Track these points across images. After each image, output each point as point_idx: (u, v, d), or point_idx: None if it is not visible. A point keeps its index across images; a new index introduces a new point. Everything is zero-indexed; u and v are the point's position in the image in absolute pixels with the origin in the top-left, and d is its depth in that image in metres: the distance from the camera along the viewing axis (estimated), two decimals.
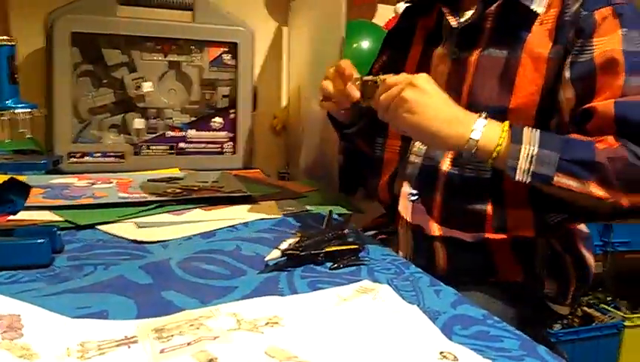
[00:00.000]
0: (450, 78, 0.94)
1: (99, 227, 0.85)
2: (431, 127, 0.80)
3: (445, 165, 0.93)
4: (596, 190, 0.76)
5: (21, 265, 0.67)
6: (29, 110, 1.23)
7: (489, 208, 0.90)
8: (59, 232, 0.74)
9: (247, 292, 0.63)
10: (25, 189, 0.99)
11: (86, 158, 1.33)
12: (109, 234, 0.83)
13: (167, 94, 1.40)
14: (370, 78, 0.89)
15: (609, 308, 2.13)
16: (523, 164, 0.78)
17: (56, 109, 1.29)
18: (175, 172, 1.32)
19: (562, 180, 0.77)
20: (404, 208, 0.96)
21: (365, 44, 1.64)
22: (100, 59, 1.33)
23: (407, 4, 1.17)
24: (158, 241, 0.80)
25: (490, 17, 0.92)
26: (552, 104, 0.86)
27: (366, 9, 1.83)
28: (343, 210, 1.02)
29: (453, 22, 0.95)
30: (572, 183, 0.77)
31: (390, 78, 0.83)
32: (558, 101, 0.85)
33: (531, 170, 0.78)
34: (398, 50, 1.09)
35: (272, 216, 0.95)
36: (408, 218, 0.95)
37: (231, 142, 1.46)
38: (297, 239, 0.72)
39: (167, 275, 0.67)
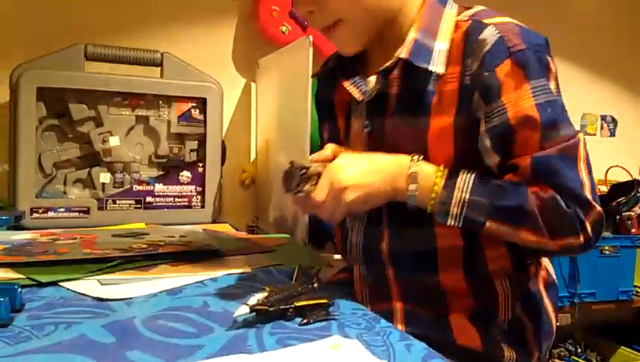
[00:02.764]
0: (370, 151, 0.90)
1: (61, 284, 0.83)
2: (370, 198, 0.83)
3: (385, 243, 0.92)
4: (527, 236, 0.78)
5: None
6: None
7: (442, 276, 0.88)
8: (20, 290, 0.72)
9: (214, 351, 0.61)
10: None
11: (49, 214, 1.30)
12: (72, 291, 0.81)
13: (134, 148, 1.40)
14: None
15: (580, 360, 2.14)
16: (454, 209, 0.79)
17: (19, 164, 1.27)
18: (141, 227, 1.30)
19: (494, 226, 0.78)
20: (360, 290, 0.96)
21: None
22: (66, 114, 1.32)
23: (316, 78, 1.14)
24: (122, 299, 0.78)
25: (395, 82, 0.89)
26: (470, 165, 0.84)
27: None
28: (312, 264, 1.01)
29: (357, 95, 0.94)
30: (503, 229, 0.79)
31: (314, 191, 0.82)
32: (486, 165, 0.84)
33: (463, 215, 0.79)
34: (330, 120, 1.07)
35: (241, 271, 0.94)
36: (367, 298, 0.95)
37: (199, 196, 1.45)
38: (266, 294, 0.71)
39: (131, 334, 0.65)
